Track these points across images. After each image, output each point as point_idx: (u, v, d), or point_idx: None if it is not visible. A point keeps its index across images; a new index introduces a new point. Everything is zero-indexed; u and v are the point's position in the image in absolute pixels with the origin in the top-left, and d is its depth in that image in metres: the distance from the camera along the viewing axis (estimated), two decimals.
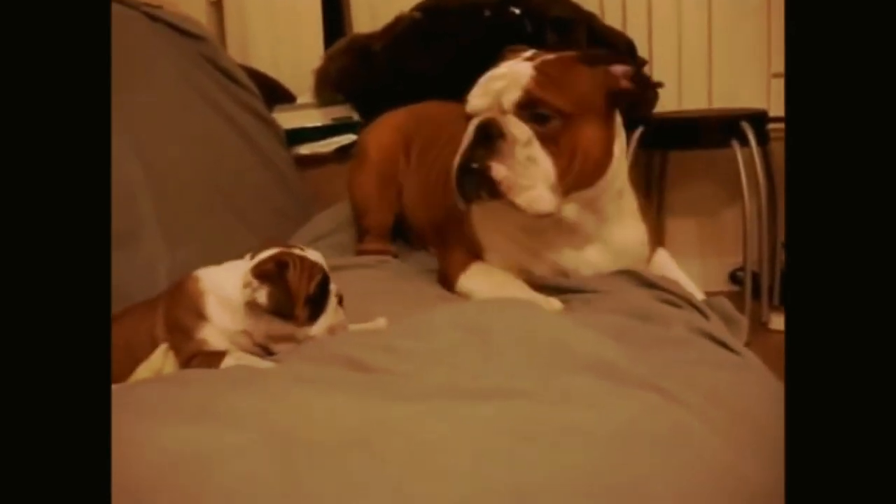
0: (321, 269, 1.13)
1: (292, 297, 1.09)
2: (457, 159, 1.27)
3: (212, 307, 1.13)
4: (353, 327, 1.18)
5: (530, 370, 0.85)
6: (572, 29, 2.41)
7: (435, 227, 1.70)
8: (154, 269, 1.51)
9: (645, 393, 0.78)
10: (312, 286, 1.10)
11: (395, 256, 1.77)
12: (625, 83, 1.31)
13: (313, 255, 1.15)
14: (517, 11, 2.42)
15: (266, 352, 1.13)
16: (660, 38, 2.80)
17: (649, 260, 1.46)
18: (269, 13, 2.88)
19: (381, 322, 1.18)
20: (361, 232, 1.84)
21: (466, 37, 2.43)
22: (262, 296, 1.08)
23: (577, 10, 2.52)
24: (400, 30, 2.52)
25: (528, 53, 1.34)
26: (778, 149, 2.56)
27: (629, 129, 2.31)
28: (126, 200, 1.53)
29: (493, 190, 1.24)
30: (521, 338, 0.93)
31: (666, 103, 2.71)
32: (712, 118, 2.53)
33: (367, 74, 2.49)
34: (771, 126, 2.53)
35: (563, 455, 0.67)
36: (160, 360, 1.14)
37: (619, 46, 2.52)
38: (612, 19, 2.72)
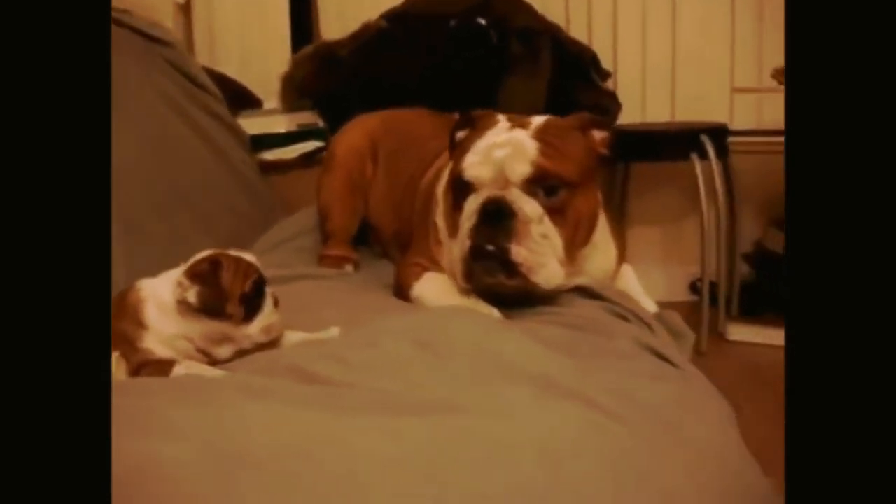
0: (256, 269, 1.14)
1: (224, 296, 1.11)
2: (467, 240, 1.23)
3: (150, 315, 1.14)
4: (306, 336, 1.20)
5: (472, 382, 0.87)
6: (537, 40, 2.44)
7: (396, 235, 1.72)
8: (111, 274, 1.51)
9: (579, 406, 0.81)
10: (247, 284, 1.12)
11: (357, 263, 1.79)
12: (602, 150, 1.33)
13: (248, 257, 1.17)
14: (483, 22, 2.45)
15: (213, 359, 1.14)
16: (624, 50, 2.84)
17: (615, 277, 1.48)
18: (238, 18, 2.89)
19: (333, 331, 1.20)
20: (325, 236, 1.85)
21: (432, 46, 2.46)
22: (192, 294, 1.10)
23: (543, 21, 2.55)
24: (366, 37, 2.54)
25: (503, 118, 1.33)
26: (738, 161, 2.60)
27: None
28: None
29: (511, 271, 1.21)
30: (466, 350, 0.95)
31: (629, 115, 2.75)
32: (673, 131, 2.57)
33: (332, 81, 2.50)
34: (731, 139, 2.57)
35: (491, 471, 0.69)
36: (112, 368, 1.14)
37: (583, 58, 2.56)
38: (577, 31, 2.76)
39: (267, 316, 1.15)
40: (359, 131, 1.88)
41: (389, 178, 1.81)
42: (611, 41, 2.83)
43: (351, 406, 0.81)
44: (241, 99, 2.56)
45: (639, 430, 0.81)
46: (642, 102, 2.85)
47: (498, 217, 1.21)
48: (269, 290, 1.16)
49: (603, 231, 1.40)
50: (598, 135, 1.33)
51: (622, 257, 1.51)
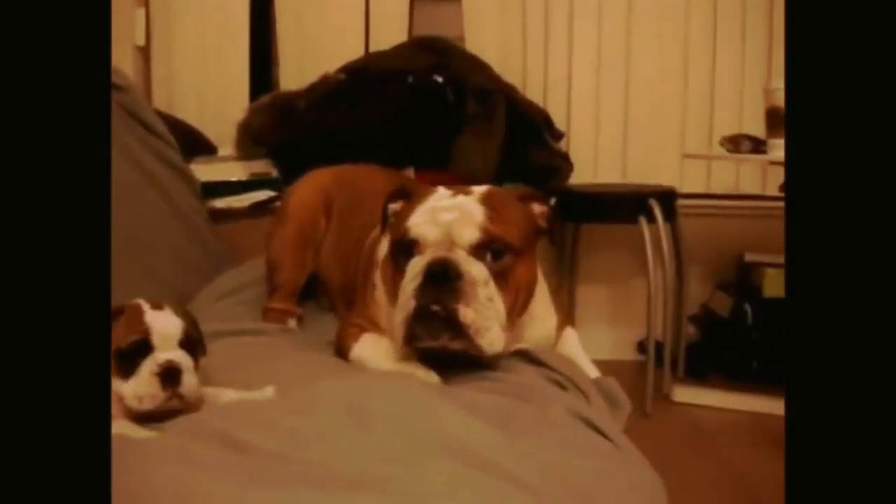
0: (144, 330, 1.09)
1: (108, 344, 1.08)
2: (412, 301, 1.21)
3: None
4: (240, 395, 1.18)
5: (401, 454, 0.86)
6: (492, 100, 2.49)
7: (343, 291, 1.72)
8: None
9: (503, 484, 0.81)
10: (126, 342, 1.08)
11: (301, 318, 1.78)
12: (541, 223, 1.35)
13: (162, 318, 1.12)
14: (440, 80, 2.49)
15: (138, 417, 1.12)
16: (578, 112, 2.90)
17: (556, 340, 1.49)
18: (197, 63, 2.89)
19: (268, 391, 1.17)
20: (272, 288, 1.83)
21: (389, 101, 2.49)
22: None
23: (498, 81, 2.60)
24: (324, 89, 2.56)
25: (442, 189, 1.34)
26: (686, 224, 2.66)
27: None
28: None
29: (458, 332, 1.20)
30: (398, 419, 0.94)
31: (581, 175, 2.80)
32: (622, 193, 2.61)
33: (288, 131, 2.52)
34: (680, 202, 2.63)
35: None
36: None
37: (536, 119, 2.61)
38: (532, 92, 2.81)
39: (142, 382, 1.08)
40: (312, 185, 1.87)
41: (340, 233, 1.81)
42: (565, 102, 2.89)
43: (273, 479, 0.80)
44: (195, 144, 2.56)
45: None
46: (594, 163, 2.91)
47: (445, 278, 1.20)
48: (158, 357, 1.09)
49: (543, 298, 1.41)
50: (538, 208, 1.35)
51: (564, 322, 1.52)
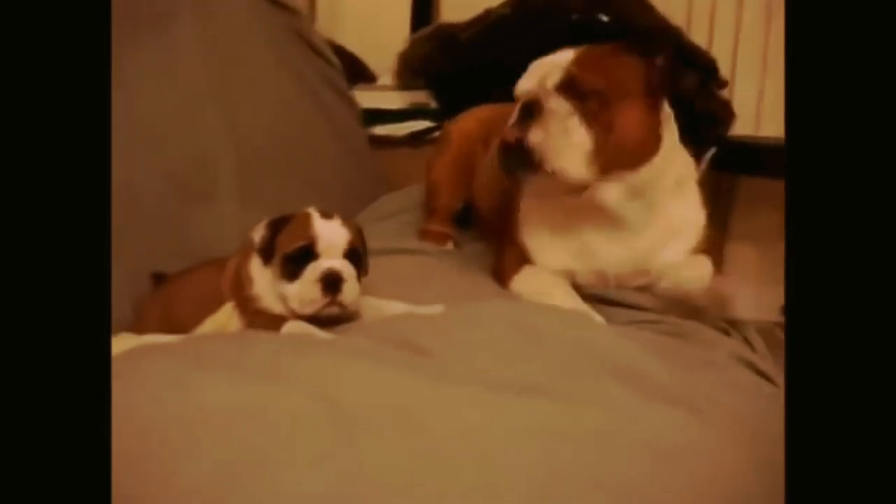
0: (311, 237, 1.14)
1: (273, 247, 1.15)
2: (504, 136, 1.34)
3: (254, 266, 1.20)
4: (408, 308, 1.22)
5: (570, 374, 0.88)
6: (657, 41, 2.41)
7: (496, 222, 1.74)
8: (227, 228, 1.58)
9: (675, 409, 0.81)
10: (292, 247, 1.14)
11: (457, 242, 1.82)
12: (650, 77, 1.36)
13: (329, 227, 1.16)
14: (604, 18, 2.43)
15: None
16: (744, 59, 2.78)
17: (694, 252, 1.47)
18: None
19: (436, 308, 1.21)
20: (429, 212, 1.90)
21: (551, 38, 2.45)
22: (257, 235, 1.16)
23: (665, 23, 2.52)
24: (487, 23, 2.55)
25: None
26: None
27: (701, 147, 2.31)
28: (207, 161, 1.61)
29: (530, 162, 1.31)
30: (567, 342, 0.96)
31: (743, 127, 2.70)
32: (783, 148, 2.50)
33: (449, 63, 2.52)
34: None
35: (605, 462, 0.70)
36: (226, 317, 1.20)
37: (702, 64, 2.52)
38: (697, 36, 2.71)
39: (305, 287, 1.14)
40: (475, 117, 1.93)
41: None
42: (731, 50, 2.78)
43: (460, 380, 0.83)
44: (355, 72, 2.61)
45: (734, 439, 0.81)
46: (757, 114, 2.79)
47: (528, 115, 1.31)
48: (320, 265, 1.14)
49: (690, 195, 1.45)
50: (640, 60, 1.36)
51: (703, 247, 1.49)
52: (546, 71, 1.36)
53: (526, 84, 1.38)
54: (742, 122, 2.65)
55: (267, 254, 1.16)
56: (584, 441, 0.72)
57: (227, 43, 1.77)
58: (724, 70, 2.64)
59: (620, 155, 1.34)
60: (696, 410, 0.82)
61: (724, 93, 2.67)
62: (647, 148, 1.37)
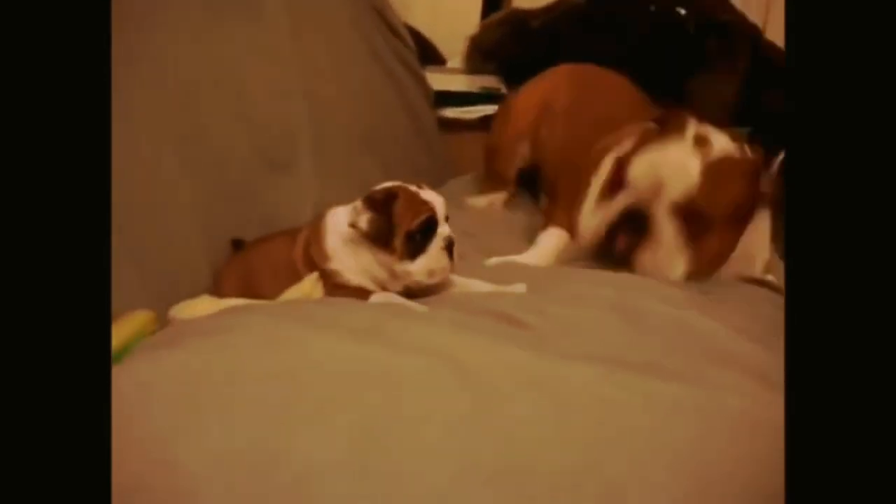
0: (430, 208, 1.13)
1: (393, 228, 1.11)
2: (602, 224, 1.36)
3: (331, 242, 1.18)
4: (493, 287, 1.20)
5: (682, 356, 0.86)
6: (736, 39, 2.38)
7: (556, 182, 1.74)
8: (303, 200, 1.59)
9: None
10: (416, 223, 1.11)
11: (507, 201, 1.91)
12: (766, 190, 1.36)
13: (430, 195, 1.16)
14: (683, 12, 2.41)
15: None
16: None
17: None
18: None
19: (520, 287, 1.20)
20: (484, 175, 1.97)
21: (626, 29, 2.43)
22: (364, 220, 1.12)
23: (744, 20, 2.48)
24: (560, 11, 2.54)
25: (690, 131, 1.36)
26: None
27: (773, 148, 2.28)
28: (288, 133, 1.62)
29: (630, 268, 1.32)
30: (672, 324, 0.95)
31: None
32: None
33: (520, 49, 2.51)
34: None
35: (720, 436, 0.70)
36: (310, 287, 1.20)
37: (779, 64, 2.48)
38: (773, 34, 2.67)
39: (433, 257, 1.13)
40: (537, 84, 1.97)
41: (565, 126, 1.85)
42: None
43: (554, 351, 0.81)
44: (426, 54, 2.61)
45: None
46: None
47: (637, 223, 1.32)
48: (442, 231, 1.14)
49: (760, 238, 1.43)
50: (766, 185, 1.36)
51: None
52: (667, 175, 1.31)
53: (642, 179, 1.33)
54: None
55: (384, 236, 1.13)
56: (719, 420, 0.71)
57: (312, 18, 1.78)
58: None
59: (711, 269, 1.38)
60: None
61: None
62: (722, 262, 1.39)
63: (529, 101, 1.92)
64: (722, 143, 1.34)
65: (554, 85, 1.93)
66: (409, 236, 1.12)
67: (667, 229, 1.31)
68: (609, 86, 1.89)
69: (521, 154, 1.91)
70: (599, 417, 0.69)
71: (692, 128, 1.36)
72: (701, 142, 1.34)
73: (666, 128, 1.39)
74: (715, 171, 1.30)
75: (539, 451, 0.66)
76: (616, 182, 1.37)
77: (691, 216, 1.30)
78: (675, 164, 1.32)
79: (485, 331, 0.87)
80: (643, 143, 1.38)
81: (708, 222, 1.31)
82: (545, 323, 0.93)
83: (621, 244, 1.33)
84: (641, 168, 1.34)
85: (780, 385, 0.80)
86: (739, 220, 1.36)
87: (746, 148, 1.37)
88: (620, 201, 1.34)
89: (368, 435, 0.66)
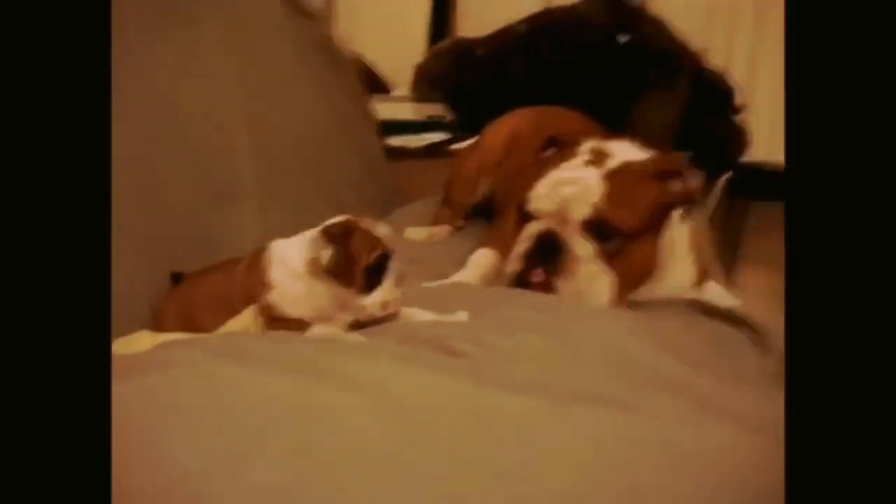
0: (384, 243, 1.14)
1: (352, 263, 1.11)
2: (517, 263, 1.30)
3: (276, 275, 1.16)
4: (435, 316, 1.19)
5: (618, 383, 0.86)
6: (676, 66, 2.43)
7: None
8: (245, 230, 1.56)
9: (734, 427, 0.79)
10: (372, 257, 1.12)
11: (458, 229, 1.88)
12: (678, 200, 1.32)
13: (380, 229, 1.16)
14: (623, 40, 2.45)
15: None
16: (764, 86, 2.79)
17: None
18: (379, 4, 2.95)
19: (461, 315, 1.20)
20: (441, 202, 1.96)
21: (568, 57, 2.47)
22: (326, 256, 1.11)
23: (683, 47, 2.53)
24: (505, 40, 2.57)
25: (585, 150, 1.35)
26: None
27: (715, 172, 2.30)
28: (230, 163, 1.60)
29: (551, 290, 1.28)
30: (607, 350, 0.95)
31: (759, 152, 2.70)
32: None
33: (466, 77, 2.54)
34: None
35: (682, 476, 0.69)
36: (250, 319, 1.18)
37: (720, 90, 2.53)
38: (716, 60, 2.72)
39: (386, 291, 1.14)
40: (505, 123, 1.96)
41: (522, 160, 1.84)
42: (748, 75, 2.79)
43: (493, 382, 0.81)
44: (371, 82, 2.61)
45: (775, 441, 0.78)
46: (771, 140, 2.80)
47: (550, 250, 1.27)
48: (393, 265, 1.15)
49: (679, 255, 1.39)
50: (676, 185, 1.31)
51: (703, 277, 1.48)
52: (569, 195, 1.28)
53: (544, 204, 1.30)
54: (757, 147, 2.66)
55: (345, 271, 1.12)
56: (661, 452, 0.70)
57: (254, 46, 1.77)
58: (740, 95, 2.66)
59: (636, 283, 1.33)
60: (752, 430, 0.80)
61: (741, 122, 2.68)
62: (654, 268, 1.35)
63: (497, 138, 1.92)
64: (621, 151, 1.33)
65: (522, 123, 1.93)
66: (366, 270, 1.12)
67: (583, 251, 1.27)
68: (572, 127, 1.90)
69: (480, 188, 1.90)
70: (535, 448, 0.68)
71: (588, 144, 1.36)
72: (598, 154, 1.33)
73: (561, 151, 1.38)
74: (616, 179, 1.28)
75: (474, 485, 0.64)
76: (522, 215, 1.33)
77: (604, 232, 1.26)
78: (574, 180, 1.29)
79: (423, 362, 0.85)
80: (542, 170, 1.35)
81: (623, 235, 1.27)
82: (484, 353, 0.92)
83: (537, 278, 1.27)
84: (542, 193, 1.31)
85: (722, 411, 0.81)
86: (656, 226, 1.32)
87: (651, 151, 1.36)
88: (531, 230, 1.30)
89: (303, 470, 0.65)
